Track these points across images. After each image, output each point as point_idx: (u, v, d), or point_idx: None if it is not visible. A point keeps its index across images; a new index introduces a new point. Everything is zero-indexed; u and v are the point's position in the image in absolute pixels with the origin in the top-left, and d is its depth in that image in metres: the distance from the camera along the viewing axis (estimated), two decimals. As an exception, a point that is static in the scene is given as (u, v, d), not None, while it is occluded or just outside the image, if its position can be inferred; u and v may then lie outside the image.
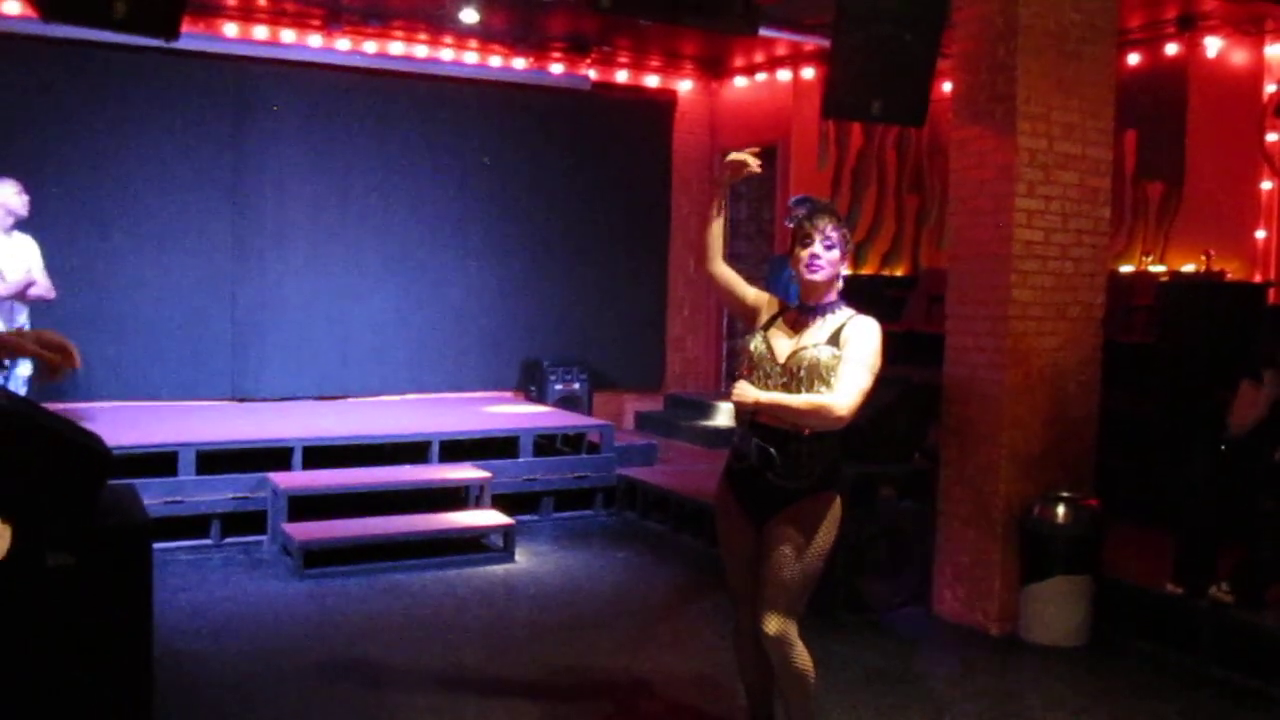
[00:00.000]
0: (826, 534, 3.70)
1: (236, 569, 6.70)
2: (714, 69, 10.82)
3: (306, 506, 7.02)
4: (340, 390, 9.54)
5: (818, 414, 3.56)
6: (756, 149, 3.88)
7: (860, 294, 10.00)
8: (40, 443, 3.97)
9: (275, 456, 7.37)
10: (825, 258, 3.69)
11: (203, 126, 9.03)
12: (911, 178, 10.59)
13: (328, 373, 9.51)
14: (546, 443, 8.60)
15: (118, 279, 8.77)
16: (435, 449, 7.86)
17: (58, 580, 3.86)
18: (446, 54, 9.78)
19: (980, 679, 5.26)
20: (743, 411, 3.71)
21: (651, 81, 10.77)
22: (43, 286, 7.08)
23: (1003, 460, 5.82)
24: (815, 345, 3.63)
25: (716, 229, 3.93)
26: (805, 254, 3.70)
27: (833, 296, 3.75)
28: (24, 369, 6.96)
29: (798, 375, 3.61)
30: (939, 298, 6.76)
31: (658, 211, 10.83)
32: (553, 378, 9.90)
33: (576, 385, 9.94)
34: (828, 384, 3.56)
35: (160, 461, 7.01)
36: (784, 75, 10.22)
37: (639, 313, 10.71)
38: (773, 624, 3.69)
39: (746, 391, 3.63)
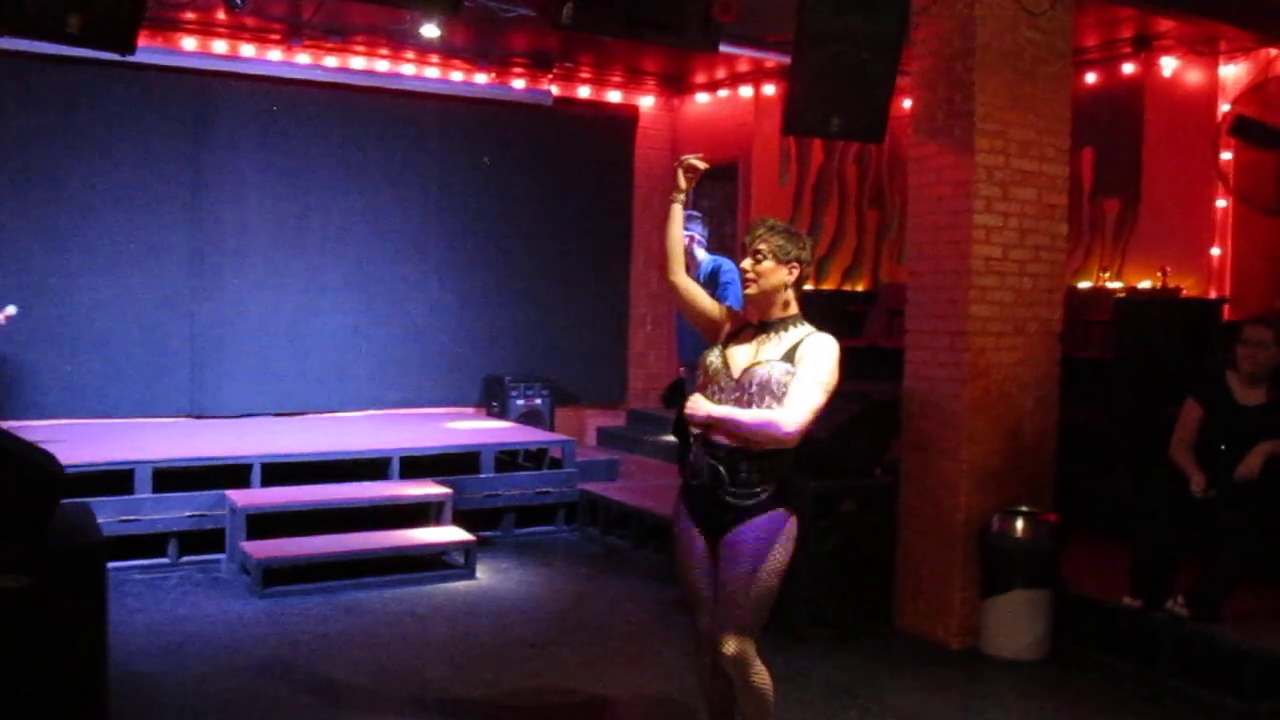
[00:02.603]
0: (782, 551, 3.66)
1: (194, 588, 6.63)
2: (676, 85, 10.86)
3: (266, 524, 6.95)
4: (300, 407, 9.47)
5: (766, 430, 3.54)
6: (702, 155, 3.89)
7: (822, 309, 10.10)
8: (-9, 461, 3.91)
9: (234, 474, 7.30)
10: (753, 270, 3.70)
11: (161, 141, 8.95)
12: (872, 194, 10.66)
13: (287, 389, 9.44)
14: (508, 459, 8.57)
15: (74, 296, 8.67)
16: (396, 465, 7.81)
17: (9, 602, 3.80)
18: (408, 69, 9.77)
19: (941, 692, 5.27)
20: (695, 426, 3.69)
21: (614, 97, 10.80)
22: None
23: (962, 474, 5.86)
24: (769, 361, 3.61)
25: (676, 238, 3.94)
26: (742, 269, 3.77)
27: (790, 312, 3.73)
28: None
29: (750, 391, 3.59)
30: (899, 313, 6.80)
31: (620, 227, 10.84)
32: (514, 393, 9.87)
33: (538, 401, 9.91)
34: (779, 401, 3.54)
35: (116, 480, 6.92)
36: (746, 91, 10.27)
37: (601, 328, 10.70)
38: (731, 644, 3.67)
39: (699, 405, 3.64)
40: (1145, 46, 8.22)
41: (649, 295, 10.93)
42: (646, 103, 10.99)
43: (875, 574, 6.21)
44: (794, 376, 3.56)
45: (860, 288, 10.62)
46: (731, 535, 3.66)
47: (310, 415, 9.45)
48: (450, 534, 7.24)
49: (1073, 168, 6.32)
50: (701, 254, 7.12)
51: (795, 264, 3.72)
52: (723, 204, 10.81)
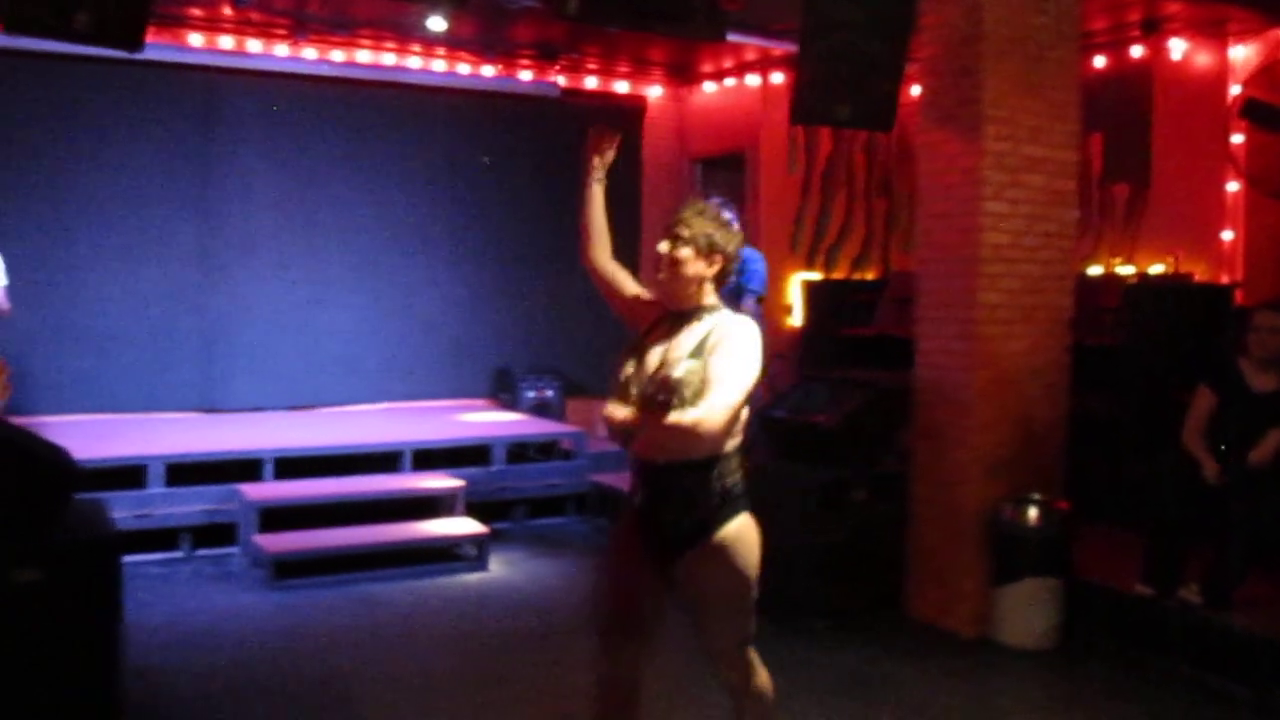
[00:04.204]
0: (746, 561, 3.36)
1: (207, 582, 6.66)
2: (683, 75, 10.84)
3: (277, 518, 6.97)
4: (310, 401, 9.49)
5: (679, 435, 3.19)
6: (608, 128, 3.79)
7: (831, 298, 10.09)
8: (2, 456, 3.94)
9: (245, 468, 7.33)
10: (668, 257, 3.37)
11: (169, 138, 8.97)
12: (880, 182, 10.63)
13: (297, 383, 9.45)
14: (519, 451, 8.58)
15: (83, 292, 8.70)
16: (407, 458, 7.83)
17: (24, 596, 3.83)
18: (414, 62, 9.76)
19: (953, 682, 5.27)
20: (617, 436, 3.32)
21: (621, 88, 10.78)
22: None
23: (972, 462, 5.86)
24: (679, 358, 3.26)
25: (597, 218, 3.77)
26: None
27: (704, 300, 3.40)
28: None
29: (661, 392, 3.21)
30: (909, 301, 6.79)
31: (628, 218, 10.80)
32: (524, 385, 9.87)
33: (549, 392, 9.92)
34: (690, 401, 3.17)
35: (128, 474, 6.95)
36: (753, 81, 10.24)
37: (610, 319, 10.60)
38: (733, 668, 3.52)
39: (614, 412, 3.28)
40: (1154, 29, 8.17)
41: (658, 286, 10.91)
42: (654, 93, 10.97)
43: (885, 563, 6.22)
44: (703, 371, 3.21)
45: (869, 277, 10.59)
46: (691, 559, 3.35)
47: (320, 409, 9.46)
48: (462, 526, 7.25)
49: (1082, 153, 6.30)
50: None
51: (718, 257, 3.40)
52: (730, 194, 10.76)
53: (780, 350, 8.24)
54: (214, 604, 6.24)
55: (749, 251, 7.42)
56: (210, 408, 9.12)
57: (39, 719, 3.92)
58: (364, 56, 9.54)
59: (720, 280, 3.45)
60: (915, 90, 6.51)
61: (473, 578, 6.90)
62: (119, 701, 4.13)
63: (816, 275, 10.35)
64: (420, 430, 8.43)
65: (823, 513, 6.07)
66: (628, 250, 11.52)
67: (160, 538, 7.00)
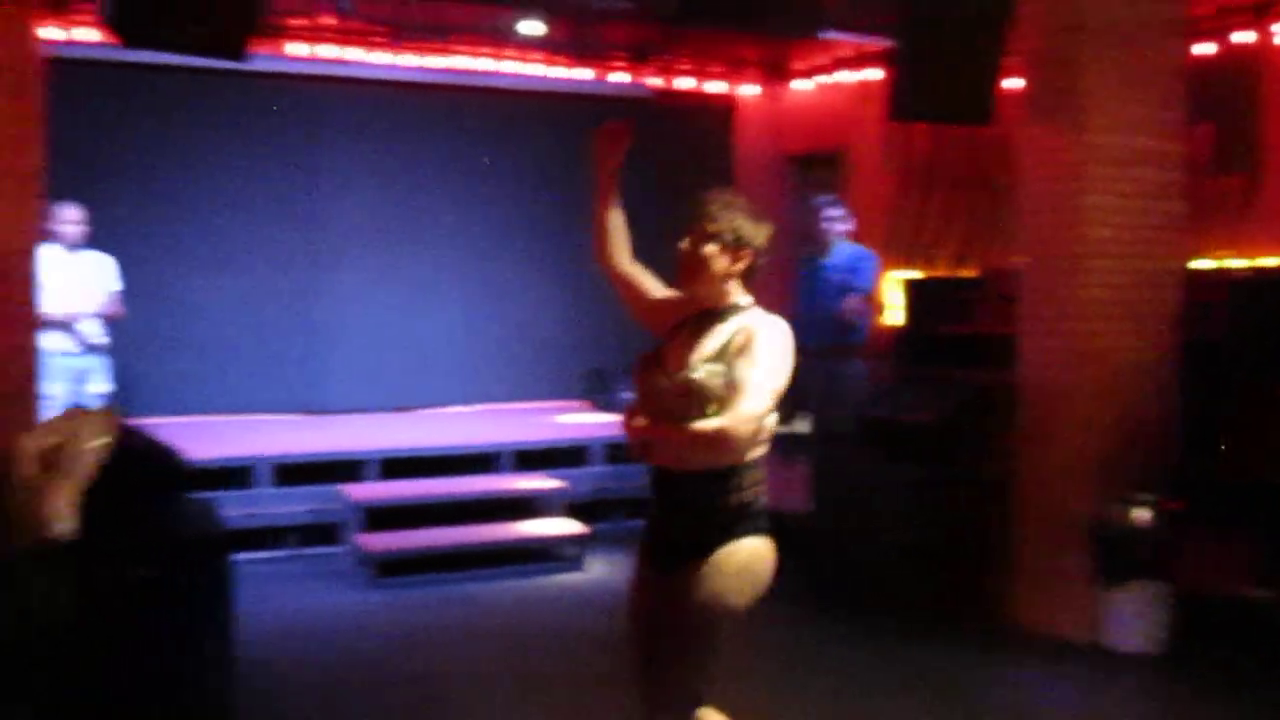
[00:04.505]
0: (741, 587, 3.13)
1: (313, 580, 6.79)
2: (776, 73, 10.77)
3: (380, 518, 7.09)
4: (410, 402, 9.63)
5: (702, 445, 2.99)
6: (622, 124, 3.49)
7: (931, 296, 9.93)
8: (118, 456, 4.06)
9: (349, 468, 7.46)
10: (690, 254, 3.21)
11: (272, 145, 9.19)
12: (980, 177, 10.45)
13: (398, 385, 9.60)
14: (616, 452, 8.60)
15: (192, 296, 8.94)
16: (507, 459, 7.91)
17: (138, 592, 3.94)
18: (509, 66, 9.84)
19: (1056, 688, 5.17)
20: (635, 448, 3.17)
21: (713, 88, 10.76)
22: (111, 304, 7.24)
23: (1077, 463, 5.73)
24: (703, 361, 3.05)
25: (613, 210, 3.54)
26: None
27: (731, 300, 3.19)
28: (98, 386, 7.13)
29: (683, 399, 2.99)
30: (1010, 298, 6.67)
31: (722, 218, 10.78)
32: (620, 386, 9.90)
33: (645, 393, 9.91)
34: (713, 408, 2.97)
35: (237, 474, 7.12)
36: (847, 77, 10.15)
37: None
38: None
39: (632, 422, 3.12)
40: (1263, 14, 7.92)
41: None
42: (746, 92, 10.93)
43: (986, 565, 6.11)
44: (725, 376, 3.00)
45: (969, 274, 10.43)
46: (686, 572, 3.12)
47: (420, 410, 9.60)
48: (561, 526, 7.30)
49: (1188, 144, 6.14)
50: (841, 240, 7.21)
51: (747, 251, 3.18)
52: (826, 193, 10.71)
53: (879, 349, 8.15)
54: (320, 602, 6.37)
55: (859, 249, 7.45)
56: (313, 409, 9.30)
57: (154, 712, 4.04)
58: (460, 62, 9.65)
59: (750, 276, 3.23)
60: (1015, 83, 6.40)
61: (571, 578, 6.94)
62: (231, 695, 4.23)
63: (915, 273, 10.22)
64: (519, 431, 8.51)
65: (921, 513, 6.00)
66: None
67: (267, 536, 7.16)
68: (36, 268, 3.82)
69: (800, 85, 10.72)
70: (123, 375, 7.48)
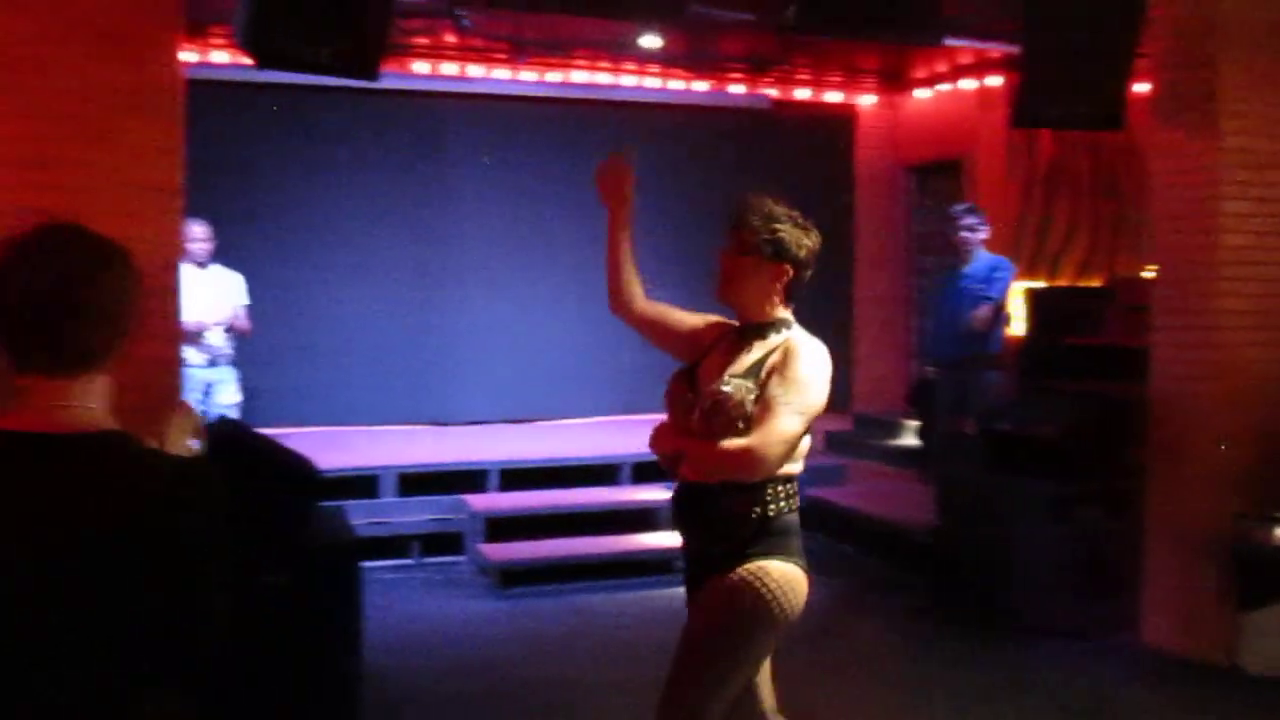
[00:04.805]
0: (762, 613, 2.91)
1: (435, 588, 6.90)
2: (895, 82, 10.67)
3: (501, 527, 7.18)
4: (529, 413, 9.73)
5: (728, 465, 2.86)
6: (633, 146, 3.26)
7: (1055, 306, 9.72)
8: (255, 464, 4.18)
9: (470, 478, 7.57)
10: (728, 266, 3.07)
11: (396, 161, 9.39)
12: (1106, 184, 10.21)
13: (517, 396, 9.72)
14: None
15: (316, 309, 9.17)
16: (626, 470, 7.94)
17: (272, 598, 4.05)
18: (627, 80, 9.91)
19: (1193, 711, 5.00)
20: (664, 461, 3.08)
21: (832, 97, 10.69)
22: (240, 319, 7.44)
23: (1212, 478, 5.54)
24: (734, 377, 2.93)
25: (625, 256, 3.43)
26: None
27: (774, 315, 3.06)
28: (227, 398, 7.33)
29: (711, 415, 2.89)
30: (1138, 308, 6.50)
31: (841, 229, 10.70)
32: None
33: (761, 405, 9.88)
34: (742, 426, 2.86)
35: (363, 484, 7.27)
36: (968, 84, 10.00)
37: (824, 332, 10.38)
38: None
39: (659, 435, 3.06)
40: None
41: (874, 298, 10.77)
42: (865, 102, 10.84)
43: (1116, 582, 5.95)
44: (756, 395, 2.88)
45: (1095, 283, 10.18)
46: (703, 591, 3.00)
47: (539, 421, 9.69)
48: (678, 539, 7.28)
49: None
50: (980, 249, 7.11)
51: (787, 265, 3.02)
52: (947, 203, 10.56)
53: (1004, 360, 8.00)
54: (442, 610, 6.47)
55: (997, 259, 7.31)
56: (434, 420, 9.46)
57: (285, 714, 4.14)
58: (579, 76, 9.75)
59: (793, 291, 3.08)
60: (1143, 87, 6.24)
61: (689, 590, 6.93)
62: (358, 700, 4.32)
63: (1039, 282, 10.01)
64: (637, 443, 8.49)
65: (1049, 528, 5.87)
66: (841, 259, 11.47)
67: (392, 545, 7.29)
68: (178, 282, 3.96)
69: (920, 93, 10.60)
70: (252, 386, 7.69)
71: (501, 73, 9.46)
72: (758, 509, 2.91)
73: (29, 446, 1.92)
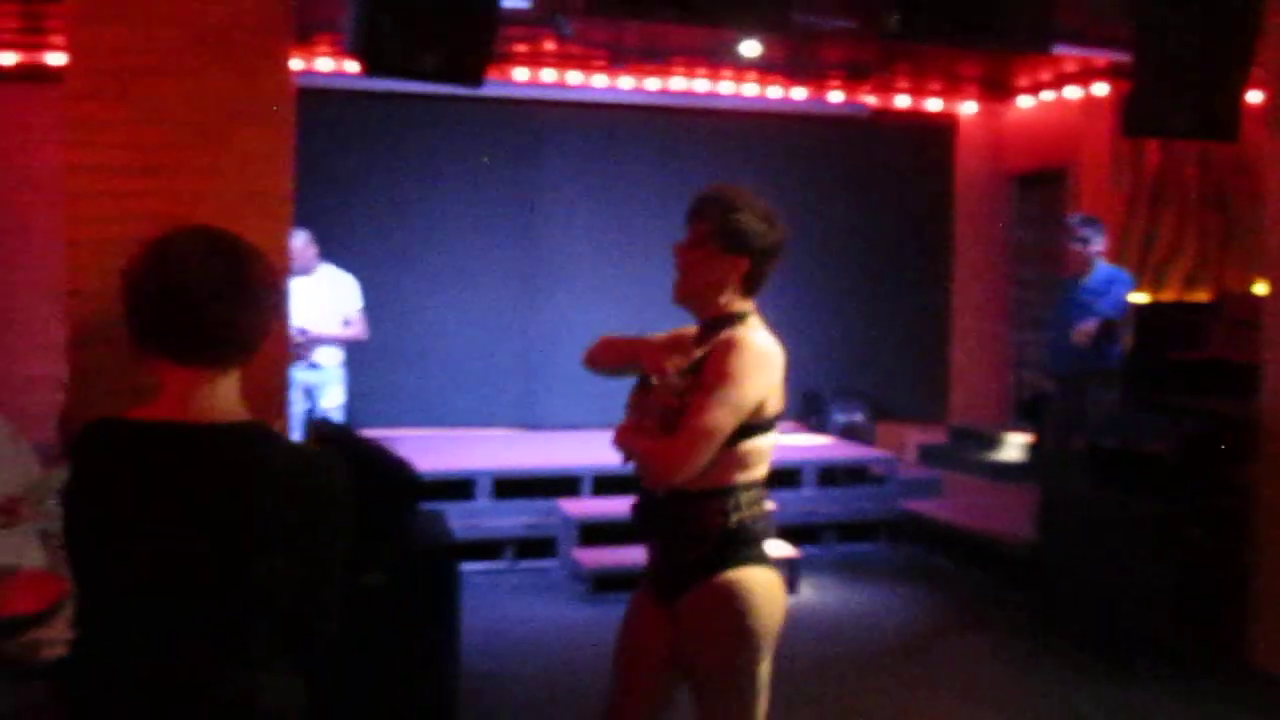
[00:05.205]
0: (748, 620, 2.83)
1: (529, 592, 6.94)
2: (997, 90, 10.50)
3: (595, 532, 7.20)
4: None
5: (650, 465, 2.79)
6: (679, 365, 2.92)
7: (1160, 320, 9.49)
8: (358, 466, 4.24)
9: (564, 483, 7.61)
10: (682, 258, 2.97)
11: (495, 167, 9.48)
12: (1214, 196, 9.95)
13: (612, 401, 9.64)
14: (828, 474, 8.52)
15: (415, 314, 9.29)
16: (718, 479, 7.90)
17: (371, 599, 4.11)
18: (725, 87, 9.89)
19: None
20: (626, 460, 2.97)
21: (932, 105, 10.56)
22: (355, 327, 7.56)
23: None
24: (678, 374, 2.85)
25: (619, 368, 3.30)
26: None
27: (728, 309, 2.94)
28: (333, 398, 7.46)
29: (656, 414, 2.83)
30: (1246, 323, 6.32)
31: (940, 239, 10.59)
32: (834, 408, 9.81)
33: (858, 416, 9.81)
34: (672, 423, 2.78)
35: (458, 487, 7.34)
36: (1073, 93, 9.82)
37: (921, 342, 10.48)
38: None
39: (620, 433, 2.98)
40: None
41: (972, 308, 10.61)
42: (966, 110, 10.69)
43: (1224, 606, 5.78)
44: (689, 392, 2.78)
45: (1202, 297, 9.92)
46: (683, 607, 2.90)
47: (633, 428, 9.69)
48: (773, 548, 7.23)
49: None
50: (1098, 261, 7.00)
51: (744, 256, 2.90)
52: (1049, 213, 10.38)
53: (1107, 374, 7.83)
54: (536, 614, 6.51)
55: (1114, 272, 7.17)
56: (530, 424, 9.52)
57: (383, 713, 4.19)
58: (677, 84, 9.76)
59: (753, 284, 2.96)
60: (1255, 96, 6.06)
61: (783, 600, 6.89)
62: (455, 702, 4.36)
63: (1144, 296, 9.78)
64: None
65: (1154, 548, 5.72)
66: (939, 270, 11.35)
67: (486, 548, 7.35)
68: (287, 286, 4.04)
69: (1022, 101, 10.43)
70: (353, 388, 7.82)
71: (599, 80, 9.51)
72: (723, 519, 2.83)
73: (167, 435, 2.01)
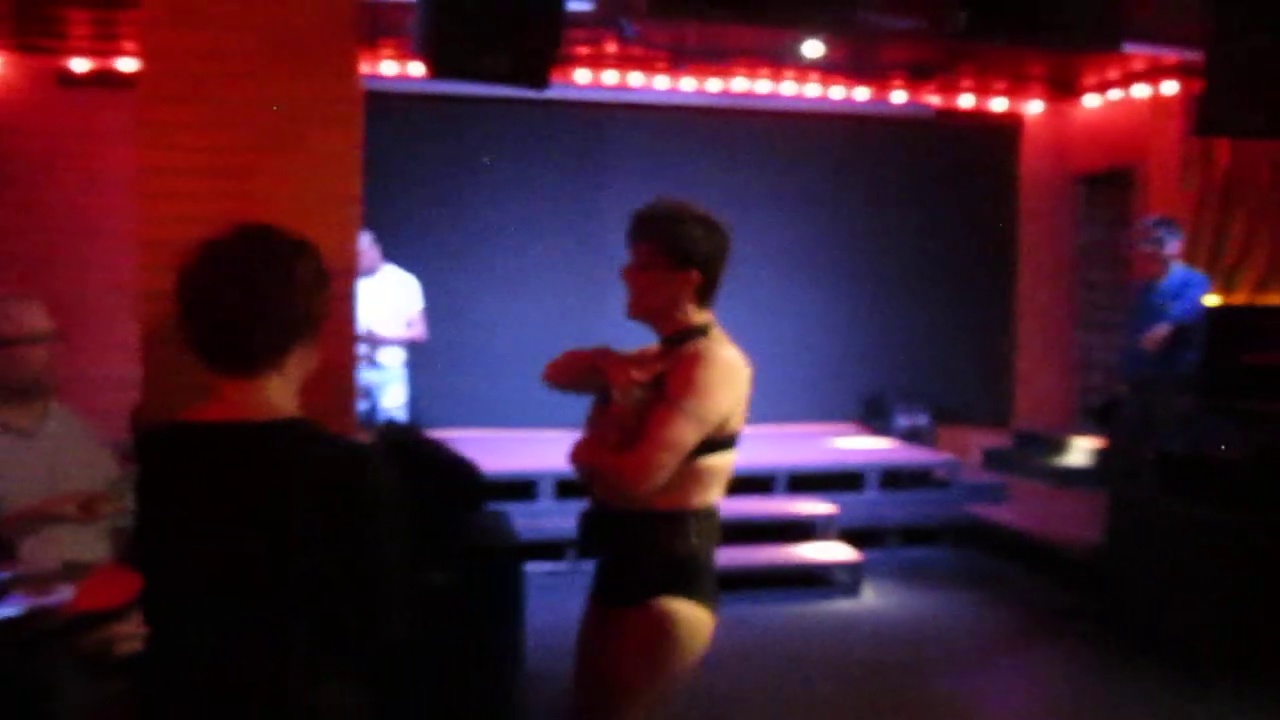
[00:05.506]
0: (671, 653, 2.79)
1: (590, 593, 6.93)
2: (1063, 89, 10.36)
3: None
4: (685, 421, 9.73)
5: (613, 478, 2.73)
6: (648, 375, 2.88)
7: (1231, 324, 9.32)
8: (423, 466, 4.27)
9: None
10: (632, 280, 2.95)
11: (556, 170, 9.51)
12: (1288, 196, 9.75)
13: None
14: (892, 478, 8.45)
15: (477, 316, 9.34)
16: (782, 481, 7.88)
17: (437, 598, 4.12)
18: (788, 88, 9.85)
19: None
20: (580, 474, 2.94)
21: (996, 105, 10.45)
22: (416, 328, 7.61)
23: None
24: (637, 390, 2.81)
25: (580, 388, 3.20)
26: None
27: (687, 322, 2.91)
28: (395, 398, 7.51)
29: (616, 428, 2.80)
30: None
31: (1004, 240, 10.47)
32: (897, 411, 9.73)
33: (921, 419, 9.72)
34: (631, 439, 2.73)
35: (521, 488, 7.37)
36: (1141, 91, 9.67)
37: (985, 345, 10.37)
38: None
39: (578, 448, 2.94)
40: None
41: (1038, 311, 10.48)
42: (1031, 109, 10.56)
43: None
44: (647, 408, 2.73)
45: (1275, 301, 9.73)
46: (613, 622, 2.86)
47: (694, 430, 9.68)
48: (836, 552, 7.22)
49: None
50: (1174, 263, 6.88)
51: (693, 268, 2.86)
52: (1116, 214, 10.23)
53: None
54: (597, 615, 6.50)
55: (1190, 274, 7.04)
56: (590, 426, 9.52)
57: (446, 714, 4.21)
58: (739, 85, 9.73)
59: (706, 294, 2.91)
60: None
61: (846, 604, 6.85)
62: (521, 700, 4.37)
63: (1215, 299, 9.61)
64: (793, 454, 8.47)
65: (1225, 557, 5.61)
66: (1004, 271, 11.19)
67: (548, 549, 7.37)
68: (355, 288, 4.07)
69: (1089, 100, 10.29)
70: (416, 389, 7.87)
71: (661, 81, 9.51)
72: (671, 543, 2.80)
73: (216, 435, 2.04)
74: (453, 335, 9.06)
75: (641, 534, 2.80)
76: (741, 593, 6.84)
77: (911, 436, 9.54)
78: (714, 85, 9.66)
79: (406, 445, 4.47)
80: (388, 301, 7.47)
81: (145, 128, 3.97)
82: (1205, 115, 5.26)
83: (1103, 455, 8.50)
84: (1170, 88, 9.35)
